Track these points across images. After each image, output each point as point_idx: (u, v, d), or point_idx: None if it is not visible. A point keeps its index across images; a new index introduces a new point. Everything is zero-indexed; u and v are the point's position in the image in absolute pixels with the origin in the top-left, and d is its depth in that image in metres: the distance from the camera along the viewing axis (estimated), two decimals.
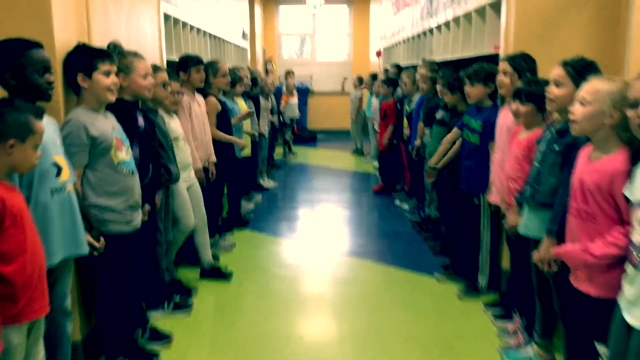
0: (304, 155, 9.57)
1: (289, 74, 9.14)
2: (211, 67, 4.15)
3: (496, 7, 3.65)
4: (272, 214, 5.67)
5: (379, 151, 7.49)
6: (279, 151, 9.24)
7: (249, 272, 4.02)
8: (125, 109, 2.75)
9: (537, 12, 3.34)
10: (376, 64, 9.86)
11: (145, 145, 2.92)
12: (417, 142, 4.93)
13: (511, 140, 2.85)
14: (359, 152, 9.44)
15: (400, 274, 4.01)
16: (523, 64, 2.94)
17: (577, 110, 2.00)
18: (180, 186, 3.52)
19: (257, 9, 10.74)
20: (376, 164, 8.24)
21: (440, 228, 4.69)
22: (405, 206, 5.72)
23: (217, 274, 3.86)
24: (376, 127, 7.46)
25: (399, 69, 6.57)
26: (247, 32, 8.87)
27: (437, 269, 3.95)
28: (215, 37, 6.19)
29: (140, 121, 2.88)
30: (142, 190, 2.76)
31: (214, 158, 4.02)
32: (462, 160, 3.52)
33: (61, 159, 2.15)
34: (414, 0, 6.20)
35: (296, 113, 9.07)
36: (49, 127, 2.09)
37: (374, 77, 8.20)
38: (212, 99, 4.14)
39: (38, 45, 2.11)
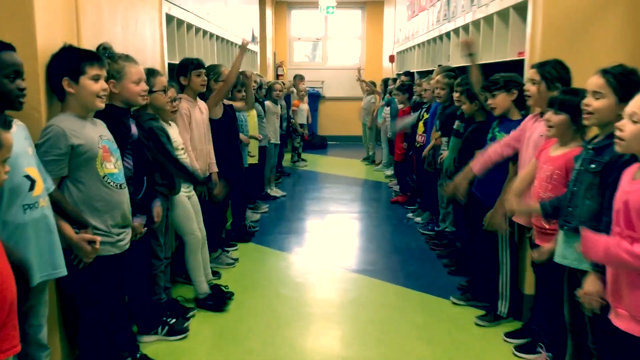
0: (314, 162, 9.33)
1: (298, 78, 8.89)
2: (212, 72, 3.91)
3: (521, 10, 3.38)
4: (278, 226, 5.42)
5: (392, 160, 7.25)
6: (287, 158, 9.01)
7: (251, 291, 3.76)
8: (116, 117, 2.52)
9: (566, 15, 3.07)
10: (388, 70, 9.60)
11: (140, 155, 2.69)
12: (425, 153, 4.68)
13: (539, 155, 2.57)
14: (370, 160, 9.18)
15: (413, 295, 3.73)
16: (553, 72, 2.67)
17: (627, 128, 1.73)
18: (182, 198, 3.29)
19: (269, 13, 10.54)
20: (389, 172, 7.99)
21: (455, 244, 4.42)
22: (418, 219, 5.44)
23: (214, 303, 3.41)
24: (389, 135, 7.22)
25: (411, 75, 6.31)
26: (257, 35, 8.66)
27: (453, 291, 3.67)
28: (222, 39, 5.97)
29: (134, 129, 2.65)
30: (140, 203, 2.53)
31: (215, 168, 3.78)
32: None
33: (34, 171, 1.91)
34: (430, 3, 5.94)
35: (306, 119, 8.82)
36: (18, 134, 1.87)
37: (385, 82, 7.96)
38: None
39: (9, 47, 1.88)
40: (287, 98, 8.30)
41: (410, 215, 5.65)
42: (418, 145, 5.12)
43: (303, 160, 8.96)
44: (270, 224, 5.46)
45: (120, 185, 2.33)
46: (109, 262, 2.31)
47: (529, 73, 2.82)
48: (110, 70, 2.44)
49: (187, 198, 3.33)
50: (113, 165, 2.30)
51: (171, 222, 3.30)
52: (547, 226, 2.46)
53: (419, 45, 6.63)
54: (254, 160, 5.11)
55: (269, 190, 6.56)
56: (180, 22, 4.30)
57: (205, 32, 5.12)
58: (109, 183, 2.27)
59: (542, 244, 2.47)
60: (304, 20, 11.99)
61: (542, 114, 2.69)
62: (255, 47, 8.37)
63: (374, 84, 9.06)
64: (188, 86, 3.54)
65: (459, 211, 4.08)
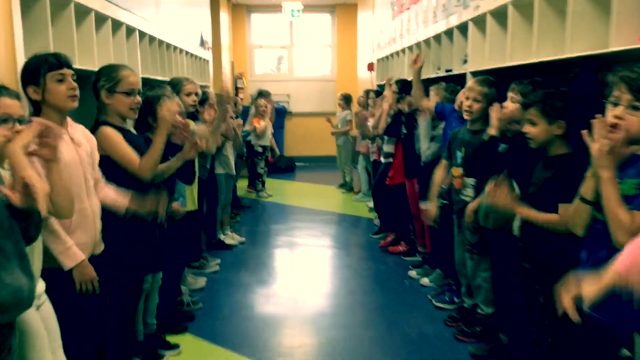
0: (280, 191, 7.82)
1: (262, 96, 7.37)
2: (106, 76, 2.40)
3: None
4: (232, 299, 3.87)
5: (371, 186, 5.82)
6: (243, 185, 7.48)
7: None
8: None
9: None
10: (366, 80, 8.21)
11: None
12: (470, 213, 2.96)
13: None
14: (348, 187, 7.72)
15: None
16: None
17: None
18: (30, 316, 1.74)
19: (224, 16, 9.05)
20: (371, 203, 6.55)
21: (494, 330, 2.99)
22: (425, 281, 3.99)
23: None
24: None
25: (403, 84, 4.90)
26: (209, 40, 7.15)
27: None
28: (155, 39, 4.45)
29: None
30: None
31: (100, 248, 2.23)
32: (584, 251, 1.82)
33: None
34: None
35: (270, 139, 7.31)
36: None
37: (367, 93, 6.56)
38: (104, 130, 2.39)
39: None
40: (245, 114, 6.79)
41: (412, 273, 4.19)
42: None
43: (264, 191, 7.40)
44: (221, 293, 3.91)
45: None
46: None
47: None
48: None
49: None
50: None
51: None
52: None
53: (410, 47, 5.24)
54: (191, 205, 3.56)
55: (222, 237, 5.02)
56: (82, 8, 2.77)
57: (131, 29, 3.60)
58: None
59: None
60: (266, 25, 10.53)
61: None
62: (206, 54, 6.85)
63: (348, 98, 7.63)
64: (45, 101, 2.00)
65: (512, 291, 2.65)
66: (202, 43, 6.53)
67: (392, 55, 6.21)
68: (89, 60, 2.84)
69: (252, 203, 7.04)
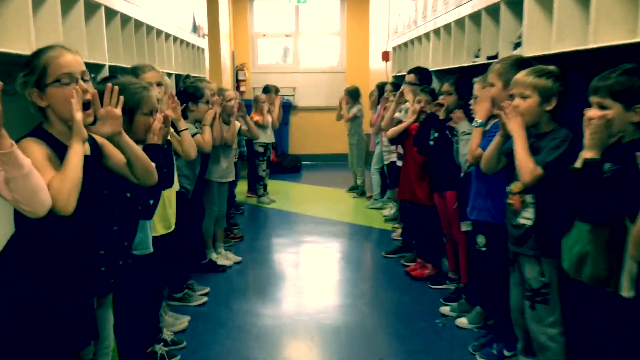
0: (284, 195, 7.03)
1: (268, 91, 6.59)
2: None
3: None
4: (217, 348, 3.09)
5: (393, 194, 5.04)
6: (242, 189, 6.72)
7: None
8: None
9: None
10: (379, 72, 7.40)
11: None
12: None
13: None
14: (359, 191, 6.91)
15: None
16: None
17: None
18: None
19: (223, 3, 8.24)
20: (388, 210, 5.75)
21: None
22: (463, 322, 3.19)
23: None
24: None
25: (422, 73, 4.10)
26: (204, 26, 6.35)
27: None
28: (142, 25, 3.68)
29: None
30: None
31: None
32: None
33: None
34: None
35: (271, 136, 6.53)
36: None
37: (381, 88, 5.76)
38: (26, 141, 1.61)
39: None
40: (248, 109, 6.00)
41: (445, 309, 3.38)
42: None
43: (267, 196, 6.60)
44: (207, 335, 3.14)
45: None
46: None
47: None
48: None
49: None
50: None
51: None
52: None
53: (437, 31, 4.42)
54: (162, 227, 2.76)
55: (214, 256, 4.25)
56: None
57: (111, 11, 2.84)
58: None
59: None
60: (270, 13, 9.70)
61: None
62: (200, 42, 6.07)
63: (354, 92, 6.80)
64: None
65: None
66: (195, 29, 5.74)
67: (412, 41, 5.39)
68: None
69: (253, 210, 6.27)
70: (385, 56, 6.70)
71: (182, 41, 5.11)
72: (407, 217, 4.35)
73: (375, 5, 8.19)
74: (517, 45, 2.94)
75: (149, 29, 3.98)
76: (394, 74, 6.34)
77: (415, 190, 3.82)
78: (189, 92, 3.50)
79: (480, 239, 2.70)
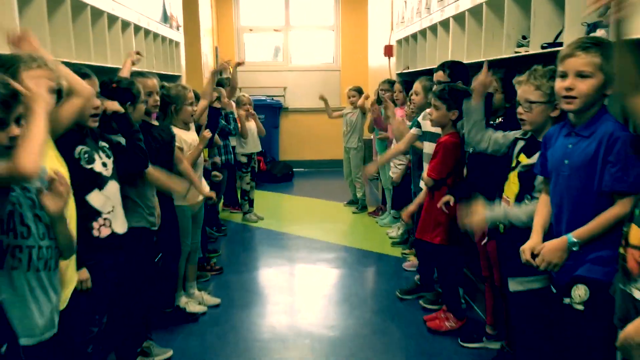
0: (273, 210, 6.15)
1: (222, 85, 5.59)
2: None
3: None
4: None
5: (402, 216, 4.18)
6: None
7: None
8: None
9: None
10: (379, 69, 6.55)
11: None
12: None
13: None
14: (359, 205, 6.04)
15: None
16: None
17: None
18: None
19: None
20: (395, 230, 4.90)
21: None
22: None
23: None
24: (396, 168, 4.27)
25: (455, 69, 3.23)
26: (178, 16, 5.46)
27: None
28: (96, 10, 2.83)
29: None
30: None
31: None
32: None
33: None
34: None
35: (256, 145, 5.65)
36: None
37: (391, 83, 4.95)
38: None
39: None
40: (226, 116, 5.12)
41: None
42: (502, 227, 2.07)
43: (251, 213, 5.72)
44: None
45: None
46: None
47: None
48: None
49: None
50: None
51: None
52: None
53: (459, 17, 3.57)
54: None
55: (183, 301, 3.35)
56: None
57: None
58: None
59: None
60: (258, 5, 8.81)
61: None
62: (174, 34, 5.18)
63: (358, 90, 5.96)
64: None
65: None
66: (167, 18, 4.85)
67: (422, 32, 4.53)
68: None
69: (236, 230, 5.39)
70: (388, 51, 5.84)
71: (147, 32, 4.23)
72: (425, 256, 3.48)
73: None
74: (594, 26, 2.10)
75: (96, 13, 3.12)
76: (399, 72, 5.49)
77: (443, 233, 2.97)
78: (121, 88, 2.57)
79: (581, 292, 1.80)
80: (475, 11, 3.28)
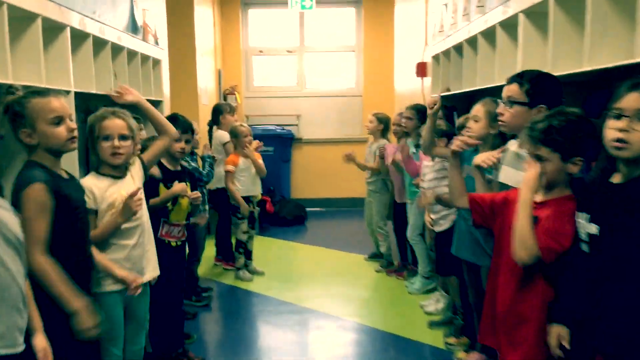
0: (278, 265, 4.97)
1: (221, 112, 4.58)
2: None
3: None
4: None
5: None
6: (209, 254, 4.74)
7: None
8: None
9: None
10: (408, 94, 5.43)
11: None
12: None
13: None
14: (384, 261, 4.83)
15: None
16: None
17: None
18: None
19: (206, 11, 6.40)
20: (433, 305, 3.68)
21: None
22: None
23: None
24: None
25: (540, 83, 2.06)
26: (153, 27, 4.42)
27: None
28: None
29: None
30: None
31: None
32: None
33: None
34: None
35: (257, 187, 4.51)
36: None
37: (421, 112, 3.83)
38: None
39: None
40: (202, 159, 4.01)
41: None
42: None
43: (248, 268, 4.57)
44: None
45: None
46: None
47: None
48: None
49: None
50: None
51: None
52: None
53: (509, 22, 2.42)
54: None
55: None
56: None
57: None
58: None
59: None
60: (268, 23, 7.82)
61: None
62: (151, 50, 4.12)
63: (387, 121, 4.80)
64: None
65: None
66: (135, 28, 3.78)
67: (471, 40, 3.39)
68: None
69: (225, 295, 4.22)
70: (422, 69, 4.70)
71: (100, 41, 3.17)
72: None
73: (403, 8, 6.23)
74: None
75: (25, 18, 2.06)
76: (435, 94, 4.34)
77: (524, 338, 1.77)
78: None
79: None
80: (539, 9, 2.13)
